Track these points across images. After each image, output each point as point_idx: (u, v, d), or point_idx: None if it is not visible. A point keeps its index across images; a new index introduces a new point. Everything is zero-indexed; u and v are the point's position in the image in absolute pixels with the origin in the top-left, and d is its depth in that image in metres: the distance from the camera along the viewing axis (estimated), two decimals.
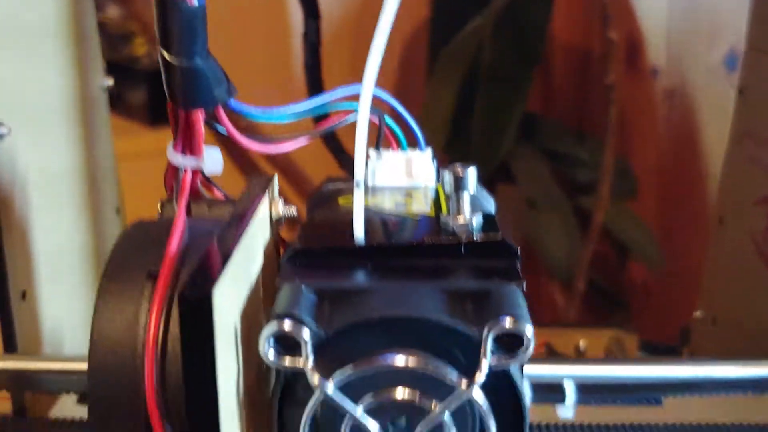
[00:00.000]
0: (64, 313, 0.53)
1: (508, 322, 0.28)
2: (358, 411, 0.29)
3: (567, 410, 0.42)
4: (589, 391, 0.42)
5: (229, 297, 0.27)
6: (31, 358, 0.48)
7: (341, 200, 0.37)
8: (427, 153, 0.39)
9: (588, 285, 1.14)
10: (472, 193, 0.33)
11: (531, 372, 0.43)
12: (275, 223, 0.35)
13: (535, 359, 0.48)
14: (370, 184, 0.38)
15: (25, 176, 0.50)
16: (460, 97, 1.12)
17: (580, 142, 1.23)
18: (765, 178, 0.62)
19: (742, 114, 0.64)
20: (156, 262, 0.27)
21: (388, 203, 0.36)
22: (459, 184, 0.32)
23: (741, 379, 0.44)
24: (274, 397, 0.29)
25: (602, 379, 0.44)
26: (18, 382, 0.47)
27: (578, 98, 1.28)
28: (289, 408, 0.30)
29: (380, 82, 0.33)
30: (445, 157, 1.08)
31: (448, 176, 0.33)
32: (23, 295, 0.48)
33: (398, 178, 0.38)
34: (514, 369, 0.29)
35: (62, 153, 0.54)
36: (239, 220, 0.30)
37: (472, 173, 0.33)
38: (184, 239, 0.28)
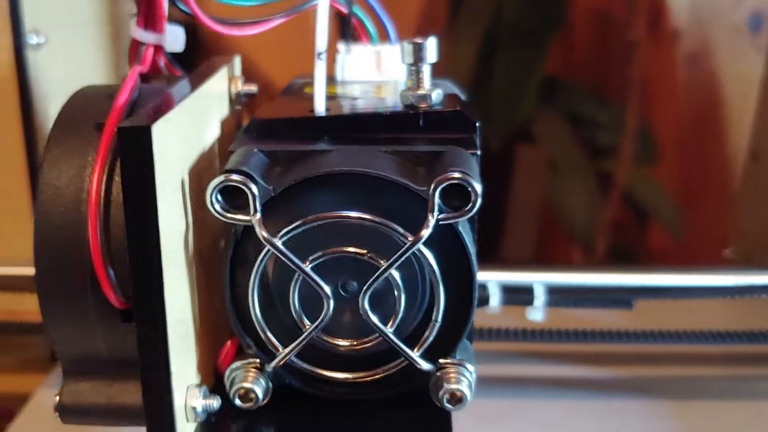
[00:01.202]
0: None
1: (456, 174, 0.28)
2: (306, 267, 0.29)
3: (536, 312, 0.42)
4: (559, 293, 0.43)
5: (173, 144, 0.27)
6: None
7: (306, 89, 0.37)
8: (397, 47, 0.39)
9: (607, 249, 1.14)
10: (431, 61, 0.33)
11: (503, 278, 0.44)
12: (235, 100, 0.35)
13: (505, 264, 0.48)
14: (339, 78, 0.38)
15: (59, 85, 0.51)
16: (480, 57, 1.12)
17: (601, 106, 1.22)
18: None
19: None
20: (105, 116, 0.28)
21: (356, 95, 0.37)
22: (418, 54, 0.33)
23: (711, 287, 0.44)
24: (225, 258, 0.30)
25: (573, 285, 0.44)
26: None
27: (600, 61, 1.27)
28: (241, 269, 0.30)
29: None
30: None
31: (407, 47, 0.33)
32: None
33: (367, 72, 0.39)
34: (462, 226, 0.30)
35: (93, 65, 0.55)
36: (191, 85, 0.31)
37: (431, 44, 0.33)
38: (135, 98, 0.29)
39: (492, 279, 0.43)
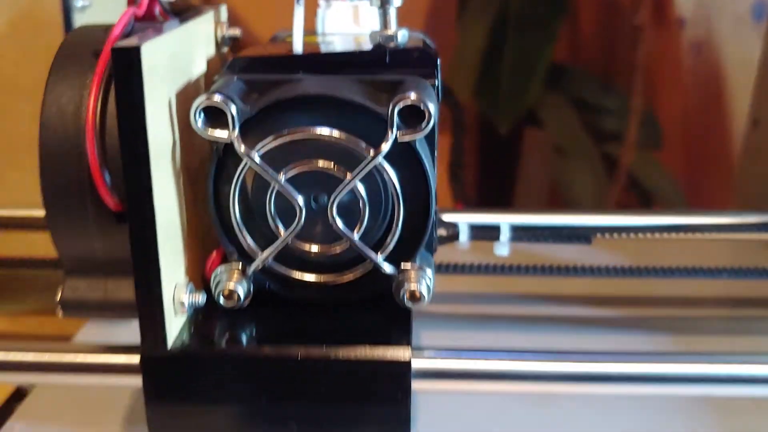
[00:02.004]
0: None
1: (412, 96, 0.32)
2: (281, 177, 0.33)
3: (502, 247, 0.46)
4: (523, 230, 0.47)
5: (161, 64, 0.31)
6: None
7: (288, 39, 0.41)
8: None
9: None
10: (397, 5, 0.37)
11: (472, 219, 0.48)
12: (221, 43, 0.40)
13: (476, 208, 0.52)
14: (319, 30, 0.43)
15: None
16: (489, 42, 1.15)
17: (606, 91, 1.26)
18: None
19: None
20: (102, 45, 0.32)
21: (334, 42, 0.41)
22: None
23: (662, 225, 0.48)
24: (209, 172, 0.34)
25: (536, 224, 0.48)
26: None
27: (606, 48, 1.30)
28: (223, 183, 0.35)
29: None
30: (474, 102, 1.12)
31: None
32: None
33: (346, 25, 0.43)
34: (420, 145, 0.34)
35: None
36: (179, 22, 0.35)
37: None
38: (128, 32, 0.33)
39: (462, 220, 0.47)
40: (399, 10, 0.37)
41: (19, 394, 0.48)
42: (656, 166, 1.21)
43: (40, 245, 0.54)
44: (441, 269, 0.49)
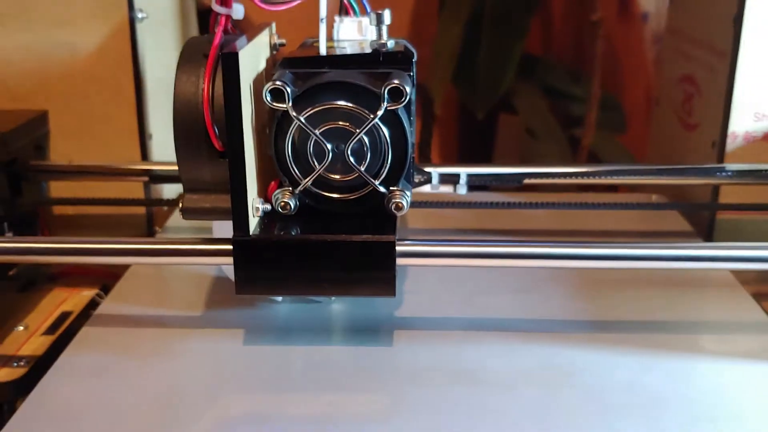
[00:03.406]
0: None
1: (396, 81, 0.55)
2: (317, 131, 0.56)
3: (461, 188, 0.69)
4: (475, 177, 0.70)
5: (246, 65, 0.54)
6: None
7: (315, 44, 0.64)
8: (372, 17, 0.66)
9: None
10: (387, 23, 0.59)
11: (441, 170, 0.70)
12: (272, 48, 0.62)
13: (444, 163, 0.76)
14: (335, 38, 0.65)
15: (154, 43, 0.82)
16: (466, 34, 1.33)
17: (575, 80, 1.44)
18: (685, 62, 0.88)
19: (672, 17, 0.91)
20: (208, 50, 0.55)
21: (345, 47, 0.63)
22: (379, 19, 0.59)
23: (567, 173, 0.71)
24: (271, 130, 0.57)
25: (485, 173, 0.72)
26: None
27: (575, 40, 1.48)
28: (280, 136, 0.57)
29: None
30: (453, 89, 1.33)
31: (373, 15, 0.59)
32: None
33: (353, 34, 0.65)
34: (402, 113, 0.56)
35: (171, 40, 0.85)
36: (250, 36, 0.58)
37: (387, 13, 0.59)
38: (222, 41, 0.56)
39: (434, 170, 0.70)
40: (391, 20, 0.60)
41: (93, 304, 0.71)
42: (618, 147, 1.41)
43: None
44: (422, 204, 0.73)
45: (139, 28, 0.78)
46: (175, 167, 0.56)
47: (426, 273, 0.67)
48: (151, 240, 0.61)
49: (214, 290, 0.66)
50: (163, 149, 0.84)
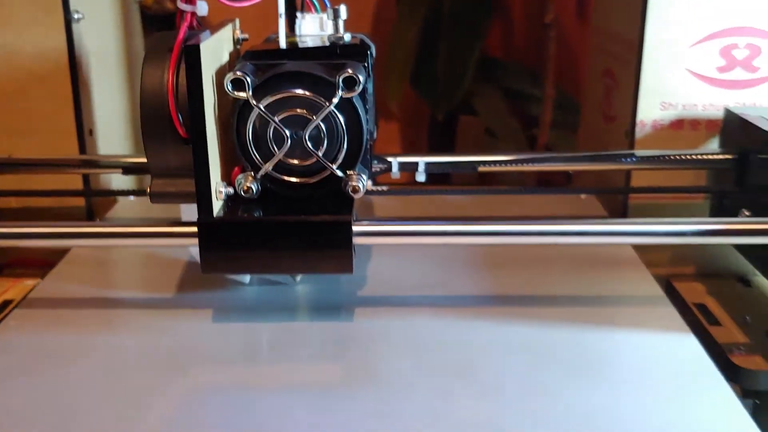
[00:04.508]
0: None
1: (350, 71, 0.59)
2: (276, 118, 0.60)
3: (420, 175, 0.74)
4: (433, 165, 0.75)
5: (207, 58, 0.58)
6: None
7: (277, 39, 0.68)
8: (329, 12, 0.70)
9: None
10: (344, 18, 0.63)
11: (400, 159, 0.75)
12: (236, 42, 0.66)
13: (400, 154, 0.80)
14: (297, 33, 0.69)
15: (91, 46, 0.85)
16: (424, 37, 1.37)
17: (533, 81, 1.49)
18: (605, 57, 0.93)
19: (598, 12, 0.96)
20: (172, 44, 0.58)
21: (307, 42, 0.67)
22: (336, 14, 0.64)
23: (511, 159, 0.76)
24: (233, 118, 0.61)
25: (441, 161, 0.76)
26: None
27: (532, 42, 1.53)
28: (242, 123, 0.61)
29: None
30: (412, 91, 1.37)
31: (330, 11, 0.64)
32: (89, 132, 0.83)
33: (314, 29, 0.69)
34: (357, 101, 0.61)
35: (111, 40, 0.88)
36: (212, 30, 0.62)
37: (343, 8, 0.64)
38: (186, 36, 0.60)
39: (394, 159, 0.74)
40: (349, 16, 0.64)
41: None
42: (569, 141, 1.45)
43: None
44: (383, 192, 0.77)
45: (76, 28, 0.82)
46: (116, 159, 0.59)
47: (383, 256, 0.71)
48: (120, 223, 0.64)
49: (174, 274, 0.70)
50: (105, 143, 0.88)
